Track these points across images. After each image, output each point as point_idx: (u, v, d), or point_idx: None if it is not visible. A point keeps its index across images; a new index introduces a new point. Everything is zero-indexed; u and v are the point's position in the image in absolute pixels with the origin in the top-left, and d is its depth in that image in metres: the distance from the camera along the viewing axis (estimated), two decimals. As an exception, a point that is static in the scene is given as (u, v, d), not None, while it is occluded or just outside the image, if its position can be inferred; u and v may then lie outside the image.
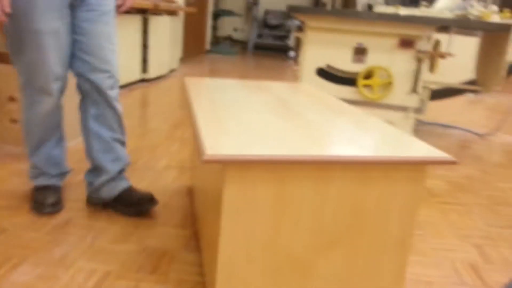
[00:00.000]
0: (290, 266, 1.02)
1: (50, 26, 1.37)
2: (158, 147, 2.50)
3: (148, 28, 4.44)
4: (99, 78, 1.48)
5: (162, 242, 1.47)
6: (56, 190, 1.63)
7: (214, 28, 8.57)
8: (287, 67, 6.76)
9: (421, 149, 1.04)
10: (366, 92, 2.80)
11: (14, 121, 2.24)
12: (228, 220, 0.95)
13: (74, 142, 2.40)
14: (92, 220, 1.57)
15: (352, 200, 1.00)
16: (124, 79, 4.00)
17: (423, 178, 1.02)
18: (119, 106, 1.57)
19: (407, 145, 1.06)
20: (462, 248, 1.61)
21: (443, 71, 4.46)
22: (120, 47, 3.66)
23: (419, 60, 2.65)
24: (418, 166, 1.01)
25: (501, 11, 2.84)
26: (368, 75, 2.80)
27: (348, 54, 2.79)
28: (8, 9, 1.26)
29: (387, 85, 2.77)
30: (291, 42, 8.57)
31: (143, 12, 4.33)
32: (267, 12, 9.05)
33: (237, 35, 9.47)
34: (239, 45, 9.40)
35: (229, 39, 9.38)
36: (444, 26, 2.64)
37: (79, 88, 1.53)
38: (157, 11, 4.56)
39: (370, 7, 3.06)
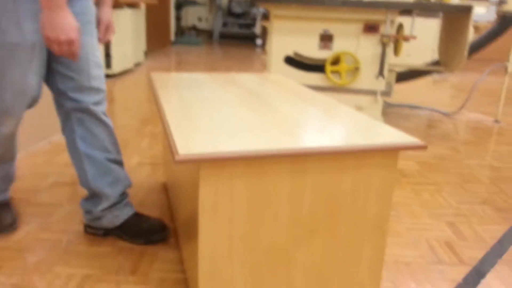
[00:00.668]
0: (271, 258, 1.02)
1: (27, 39, 1.17)
2: (129, 144, 2.44)
3: (110, 22, 4.31)
4: (85, 97, 1.30)
5: (140, 241, 1.44)
6: (8, 206, 1.47)
7: (178, 18, 8.41)
8: (255, 56, 6.73)
9: (391, 135, 1.06)
10: (334, 78, 2.82)
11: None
12: (206, 217, 0.94)
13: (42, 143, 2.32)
14: (66, 224, 1.53)
15: (328, 189, 1.01)
16: (88, 75, 3.87)
17: (395, 163, 1.04)
18: (109, 121, 1.39)
19: (378, 132, 1.08)
20: (436, 226, 1.65)
21: (408, 54, 4.56)
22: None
23: (384, 44, 2.69)
24: (389, 152, 1.03)
25: (460, -8, 2.90)
26: (336, 61, 2.82)
27: (314, 41, 2.79)
28: None
29: (354, 70, 2.80)
30: (257, 29, 8.53)
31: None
32: (231, 0, 8.96)
33: (201, 25, 9.34)
34: (205, 35, 9.28)
35: (194, 29, 9.25)
36: (406, 9, 2.68)
37: (60, 107, 1.34)
38: (117, 4, 4.44)
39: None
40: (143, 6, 5.68)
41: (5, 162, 1.40)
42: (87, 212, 1.44)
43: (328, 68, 2.79)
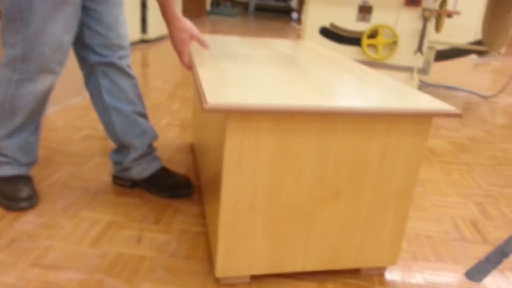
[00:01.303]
0: (292, 215, 1.02)
1: None
2: (160, 106, 2.48)
3: (148, -14, 4.32)
4: (112, 54, 1.32)
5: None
6: (28, 180, 1.39)
7: (215, -12, 8.35)
8: (290, 29, 6.63)
9: (426, 102, 1.02)
10: (370, 52, 2.75)
11: None
12: (230, 169, 0.95)
13: (73, 101, 2.38)
14: (96, 174, 1.58)
15: (355, 152, 0.99)
16: (123, 38, 3.92)
17: (427, 130, 1.01)
18: (133, 74, 1.40)
19: (413, 98, 1.05)
20: (462, 205, 1.62)
21: (448, 31, 4.38)
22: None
23: (425, 19, 2.59)
24: (423, 118, 1.00)
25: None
26: (373, 34, 2.74)
27: (352, 13, 2.72)
28: None
29: (392, 44, 2.71)
30: (293, 3, 8.37)
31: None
32: (269, -28, 8.80)
33: (238, -3, 9.24)
34: (241, 7, 9.19)
35: (230, 0, 9.16)
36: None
37: (84, 61, 1.34)
38: (156, -32, 4.43)
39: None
40: (181, -28, 5.65)
41: (34, 118, 1.34)
42: (116, 163, 1.48)
43: (365, 41, 2.72)
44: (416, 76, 2.77)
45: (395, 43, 2.69)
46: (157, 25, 4.63)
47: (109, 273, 1.08)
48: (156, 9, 4.54)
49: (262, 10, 8.93)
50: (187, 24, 1.27)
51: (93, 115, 2.21)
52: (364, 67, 1.37)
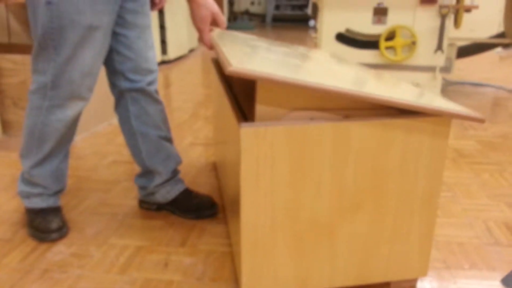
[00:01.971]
0: (313, 230, 1.01)
1: (102, 21, 1.18)
2: (183, 126, 2.51)
3: (164, 8, 4.42)
4: (141, 78, 1.33)
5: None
6: (57, 211, 1.41)
7: (231, 3, 8.45)
8: (308, 37, 6.62)
9: (444, 104, 1.00)
10: (389, 54, 2.72)
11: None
12: (247, 187, 0.95)
13: (98, 128, 2.45)
14: (123, 199, 1.61)
15: (373, 159, 0.98)
16: (144, 61, 4.01)
17: (447, 131, 0.99)
18: (160, 99, 1.43)
19: (430, 100, 1.02)
20: (495, 207, 1.56)
21: (469, 26, 4.27)
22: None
23: (443, 16, 2.54)
24: (441, 119, 0.97)
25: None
26: (390, 36, 2.70)
27: (367, 16, 2.70)
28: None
29: (411, 45, 2.67)
30: (310, 10, 8.37)
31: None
32: (284, -18, 8.85)
33: (254, 9, 9.32)
34: (258, 19, 9.26)
35: (247, 13, 9.25)
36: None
37: (115, 86, 1.36)
38: (172, -10, 4.53)
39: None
40: (196, -9, 5.75)
41: (63, 144, 1.36)
42: (142, 188, 1.50)
43: (383, 43, 2.69)
44: (439, 75, 2.71)
45: (414, 43, 2.65)
46: (176, 46, 4.72)
47: (138, 299, 1.09)
48: (174, 30, 4.63)
49: (280, 21, 8.97)
50: (208, 0, 1.25)
51: (119, 140, 2.26)
52: (382, 71, 1.35)
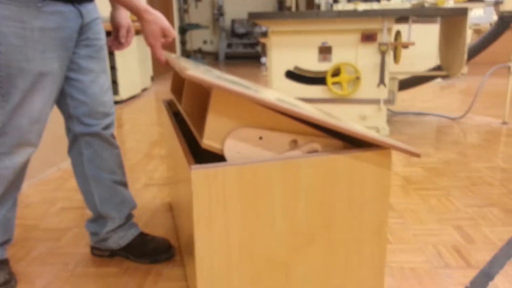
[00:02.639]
0: (269, 269, 1.02)
1: (52, 67, 1.16)
2: (136, 166, 2.48)
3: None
4: (96, 122, 1.32)
5: (145, 261, 1.45)
6: (4, 264, 1.32)
7: (183, 43, 8.57)
8: (260, 74, 6.79)
9: (385, 139, 1.06)
10: (336, 89, 2.84)
11: None
12: (200, 228, 0.95)
13: (46, 173, 2.37)
14: (74, 247, 1.55)
15: (322, 195, 1.01)
16: (96, 103, 3.95)
17: (388, 163, 1.04)
18: (116, 143, 1.41)
19: (371, 134, 1.08)
20: (443, 231, 1.63)
21: (410, 60, 4.56)
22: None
23: (382, 52, 2.70)
24: (382, 151, 1.03)
25: (456, -3, 2.91)
26: (336, 73, 2.84)
27: (314, 54, 2.82)
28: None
29: (355, 80, 2.81)
30: (260, 49, 8.62)
31: (107, 34, 4.31)
32: (234, 22, 9.10)
33: (207, 47, 9.49)
34: (211, 57, 9.41)
35: (200, 52, 9.39)
36: (402, 16, 2.70)
37: (69, 129, 1.34)
38: (122, 32, 4.54)
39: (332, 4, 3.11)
40: (147, 32, 5.80)
41: (11, 192, 1.30)
42: (93, 233, 1.46)
43: (329, 79, 2.81)
44: (384, 107, 2.85)
45: (358, 78, 2.79)
46: (128, 86, 4.70)
47: None
48: (125, 70, 4.62)
49: (232, 58, 9.16)
50: (157, 16, 1.24)
51: (68, 185, 2.19)
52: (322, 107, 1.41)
